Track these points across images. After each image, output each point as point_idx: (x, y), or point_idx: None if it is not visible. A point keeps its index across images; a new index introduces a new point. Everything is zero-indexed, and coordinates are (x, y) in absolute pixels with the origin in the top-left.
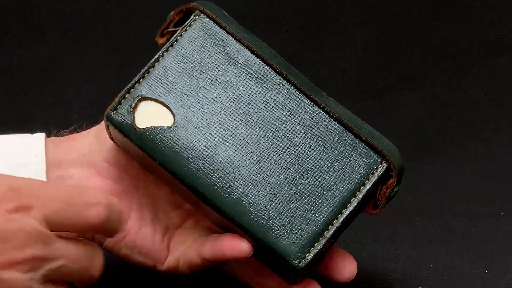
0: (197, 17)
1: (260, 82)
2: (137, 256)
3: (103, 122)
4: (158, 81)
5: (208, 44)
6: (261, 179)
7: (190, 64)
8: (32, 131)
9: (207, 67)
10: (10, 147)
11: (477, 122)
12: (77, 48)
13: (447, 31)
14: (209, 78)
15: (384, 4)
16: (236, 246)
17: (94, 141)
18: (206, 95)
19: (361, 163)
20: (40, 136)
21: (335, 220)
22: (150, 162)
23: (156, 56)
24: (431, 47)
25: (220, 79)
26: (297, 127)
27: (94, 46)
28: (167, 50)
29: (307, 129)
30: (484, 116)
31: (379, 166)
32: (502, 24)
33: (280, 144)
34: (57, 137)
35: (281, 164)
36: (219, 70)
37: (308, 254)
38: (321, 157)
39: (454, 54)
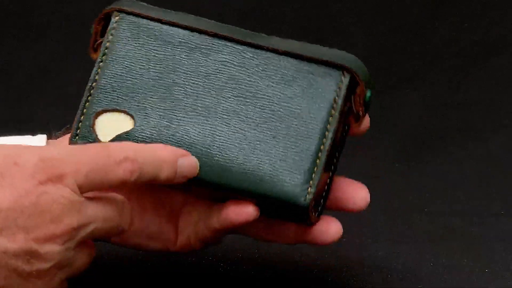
0: (118, 17)
1: (201, 51)
2: (147, 242)
3: None
4: (105, 91)
5: (139, 37)
6: (239, 138)
7: (129, 63)
8: (32, 130)
9: (147, 59)
10: None
11: (477, 122)
12: (77, 48)
13: (447, 31)
14: (153, 69)
15: (384, 4)
16: (241, 211)
17: None
18: (156, 85)
19: (325, 85)
20: (41, 138)
21: (322, 146)
22: None
23: (94, 70)
24: (431, 47)
25: (163, 65)
26: (252, 77)
27: None
28: (102, 61)
29: (261, 75)
30: (484, 116)
31: (343, 79)
32: (502, 24)
33: (243, 99)
34: (56, 138)
35: (252, 117)
36: (159, 58)
37: (309, 188)
38: (285, 95)
39: (454, 54)
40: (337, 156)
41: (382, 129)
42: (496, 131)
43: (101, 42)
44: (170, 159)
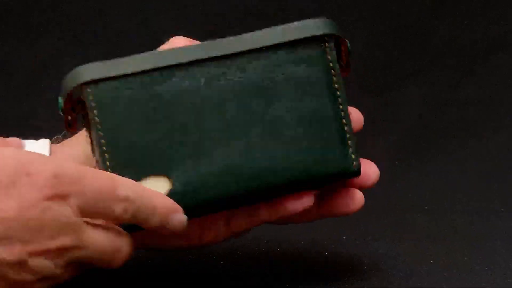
0: (89, 90)
1: (188, 85)
2: (172, 241)
3: None
4: (126, 167)
5: (121, 99)
6: (265, 145)
7: (129, 129)
8: (33, 128)
9: (143, 116)
10: None
11: (478, 120)
12: (77, 45)
13: (447, 29)
14: (152, 123)
15: (384, 2)
16: (300, 200)
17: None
18: (167, 135)
19: (314, 62)
20: (44, 143)
21: (342, 112)
22: None
23: (99, 152)
24: (432, 45)
25: (160, 114)
26: (239, 90)
27: (94, 44)
28: (102, 140)
29: (246, 85)
30: (484, 114)
31: (326, 49)
32: (503, 22)
33: (243, 115)
34: (58, 143)
35: (266, 125)
36: (150, 108)
37: (352, 154)
38: (283, 91)
39: (455, 52)
40: None
41: (382, 128)
42: (497, 129)
43: (74, 117)
44: (163, 211)
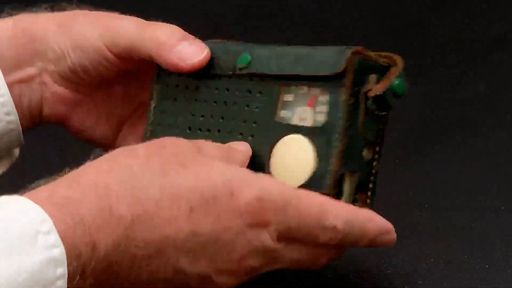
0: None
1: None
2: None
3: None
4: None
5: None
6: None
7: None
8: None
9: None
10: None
11: (478, 118)
12: None
13: (448, 27)
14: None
15: (385, 1)
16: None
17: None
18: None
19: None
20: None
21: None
22: None
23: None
24: (432, 44)
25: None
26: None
27: None
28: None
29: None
30: (485, 112)
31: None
32: (504, 20)
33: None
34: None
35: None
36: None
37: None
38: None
39: (455, 50)
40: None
41: None
42: (497, 127)
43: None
44: (374, 234)
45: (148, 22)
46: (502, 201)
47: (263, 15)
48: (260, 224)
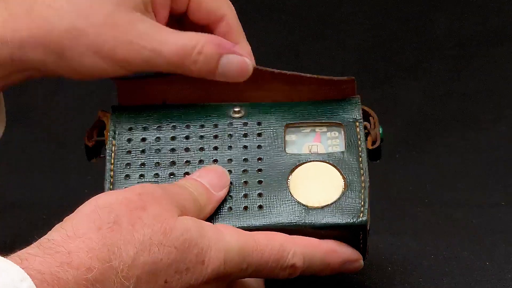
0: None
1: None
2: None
3: None
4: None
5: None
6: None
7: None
8: (32, 119)
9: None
10: None
11: (477, 112)
12: None
13: (447, 21)
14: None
15: None
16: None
17: None
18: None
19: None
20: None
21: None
22: None
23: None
24: (431, 37)
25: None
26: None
27: None
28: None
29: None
30: (484, 106)
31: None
32: (502, 14)
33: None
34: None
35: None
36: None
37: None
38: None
39: (454, 44)
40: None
41: (382, 120)
42: (497, 121)
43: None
44: (337, 265)
45: None
46: (502, 196)
47: (263, 15)
48: (221, 279)
